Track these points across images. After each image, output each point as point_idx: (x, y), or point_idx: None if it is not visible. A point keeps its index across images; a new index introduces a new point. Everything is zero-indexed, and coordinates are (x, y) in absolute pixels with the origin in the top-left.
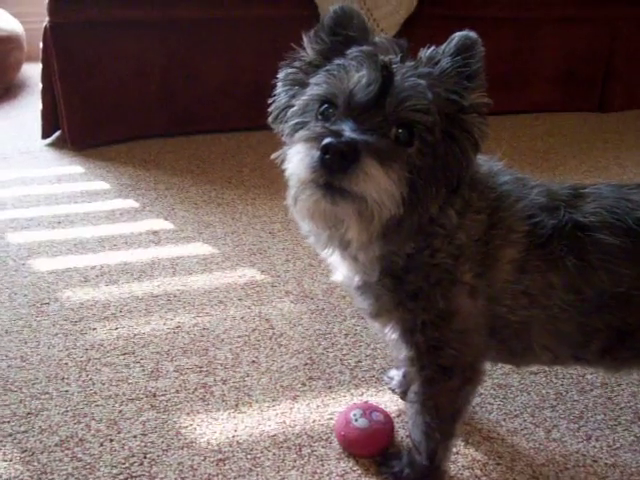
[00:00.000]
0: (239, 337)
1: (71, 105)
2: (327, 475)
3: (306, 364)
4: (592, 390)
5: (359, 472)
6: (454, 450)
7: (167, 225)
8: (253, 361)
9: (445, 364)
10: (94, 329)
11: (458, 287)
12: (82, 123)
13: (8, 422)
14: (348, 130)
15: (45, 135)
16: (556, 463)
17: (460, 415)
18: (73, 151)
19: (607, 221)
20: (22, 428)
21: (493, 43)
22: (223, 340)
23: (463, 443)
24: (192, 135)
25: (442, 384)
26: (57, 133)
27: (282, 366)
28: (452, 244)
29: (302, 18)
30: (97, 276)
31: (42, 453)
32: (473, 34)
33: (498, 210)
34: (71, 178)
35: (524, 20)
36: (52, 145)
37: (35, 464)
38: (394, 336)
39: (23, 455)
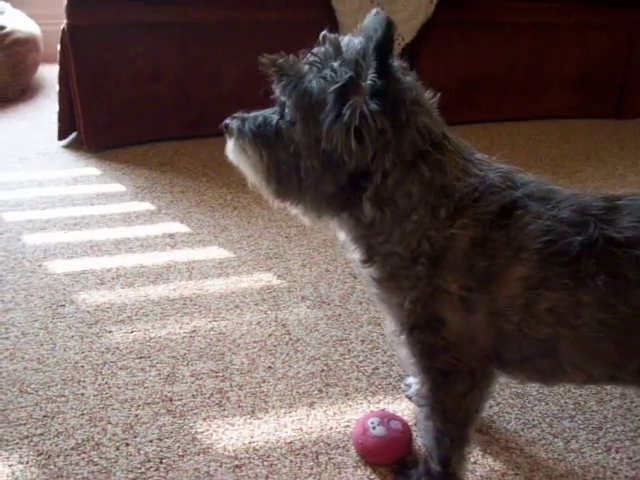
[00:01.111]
0: (255, 342)
1: (87, 107)
2: None
3: (323, 370)
4: (611, 400)
5: None
6: (472, 460)
7: (183, 228)
8: (269, 367)
9: (444, 369)
10: (110, 332)
11: (443, 296)
12: (98, 125)
13: (24, 424)
14: (239, 115)
15: (61, 136)
16: (575, 474)
17: (471, 420)
18: (89, 153)
19: None
20: (38, 431)
21: (510, 49)
22: (239, 345)
23: (481, 453)
24: (208, 138)
25: (448, 388)
26: (73, 135)
27: (299, 372)
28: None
29: (318, 21)
30: (113, 279)
31: (58, 456)
32: (380, 15)
33: (506, 225)
34: (87, 180)
35: (541, 26)
36: (68, 147)
37: (51, 467)
38: (388, 332)
39: (39, 458)
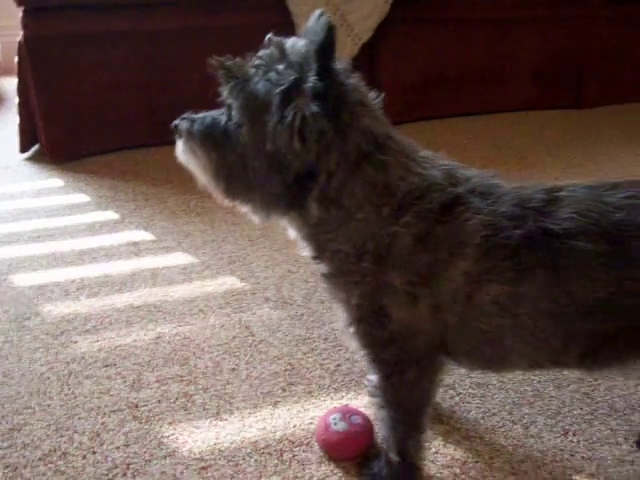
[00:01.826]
0: (219, 345)
1: (48, 118)
2: (308, 479)
3: (286, 370)
4: (569, 385)
5: (339, 475)
6: (433, 450)
7: (147, 236)
8: (233, 369)
9: (392, 359)
10: (75, 342)
11: (387, 291)
12: (60, 136)
13: None
14: (188, 116)
15: (23, 149)
16: (534, 459)
17: (423, 408)
18: (52, 164)
19: (583, 226)
20: (5, 444)
21: (468, 44)
22: (204, 349)
23: (442, 443)
24: (171, 145)
25: (398, 377)
26: (35, 147)
27: (262, 373)
28: (354, 244)
29: (277, 25)
30: (78, 289)
31: (25, 468)
32: (321, 19)
33: (448, 221)
34: (50, 191)
35: (499, 21)
36: (31, 159)
37: (18, 479)
38: (339, 325)
39: (6, 471)
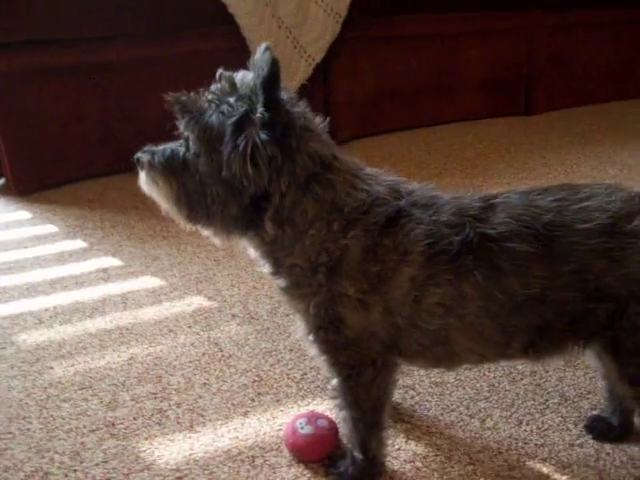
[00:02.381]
0: (190, 362)
1: (13, 152)
2: None
3: (254, 381)
4: (522, 379)
5: (308, 476)
6: (396, 447)
7: (115, 262)
8: (205, 383)
9: (350, 362)
10: (51, 368)
11: (341, 300)
12: (25, 169)
13: None
14: (149, 149)
15: None
16: (490, 449)
17: (381, 406)
18: (18, 197)
19: (516, 229)
20: None
21: (418, 59)
22: (175, 366)
23: (404, 440)
24: (134, 172)
25: (355, 379)
26: (1, 180)
27: (232, 385)
28: (308, 258)
29: (232, 50)
30: (51, 317)
31: None
32: (265, 54)
33: (393, 232)
34: (19, 224)
35: (446, 35)
36: None
37: None
38: (299, 334)
39: None
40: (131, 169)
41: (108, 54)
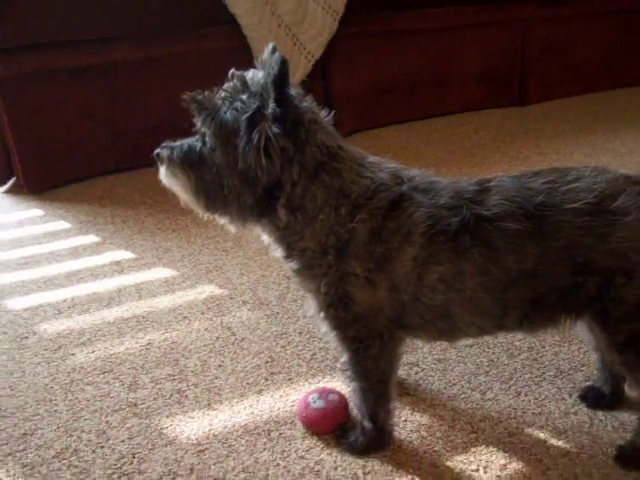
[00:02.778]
0: (205, 346)
1: (24, 152)
2: (294, 452)
3: (267, 362)
4: (520, 354)
5: (321, 446)
6: (402, 418)
7: (128, 255)
8: (220, 365)
9: (358, 336)
10: (73, 354)
11: (350, 278)
12: (36, 168)
13: (6, 443)
14: (167, 145)
15: (0, 183)
16: (491, 418)
17: (388, 378)
18: (30, 195)
19: (510, 210)
20: (20, 447)
21: (415, 53)
22: (191, 350)
23: (410, 412)
24: (142, 169)
25: (364, 352)
26: (12, 180)
27: (246, 366)
28: (318, 241)
29: (233, 49)
30: (69, 307)
31: (42, 465)
32: (275, 54)
33: (396, 215)
34: (32, 221)
35: (442, 29)
36: (9, 192)
37: (36, 475)
38: (311, 313)
39: (24, 470)
40: (136, 166)
41: (114, 55)
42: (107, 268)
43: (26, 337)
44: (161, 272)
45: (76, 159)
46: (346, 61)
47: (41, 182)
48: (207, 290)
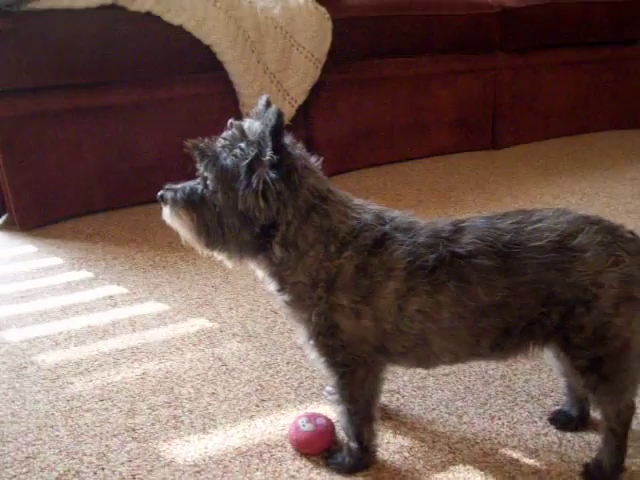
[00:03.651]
0: (198, 375)
1: (16, 190)
2: (285, 472)
3: (257, 390)
4: (494, 381)
5: (310, 466)
6: (385, 440)
7: (121, 290)
8: (213, 393)
9: (345, 362)
10: (71, 383)
11: (337, 309)
12: (28, 205)
13: (10, 467)
14: (170, 187)
15: None
16: (468, 440)
17: (372, 400)
18: (22, 232)
19: (481, 248)
20: (24, 470)
21: (392, 99)
22: (185, 379)
23: (392, 434)
24: (131, 207)
25: (350, 377)
26: (4, 217)
27: (237, 394)
28: (309, 275)
29: (220, 94)
30: (65, 339)
31: None
32: (272, 107)
33: (380, 252)
34: (25, 257)
35: (417, 77)
36: (1, 229)
37: None
38: (300, 341)
39: None
40: (125, 205)
41: (106, 98)
42: (101, 302)
43: (25, 367)
44: (153, 306)
45: (68, 197)
46: (327, 106)
47: (33, 219)
48: (198, 323)
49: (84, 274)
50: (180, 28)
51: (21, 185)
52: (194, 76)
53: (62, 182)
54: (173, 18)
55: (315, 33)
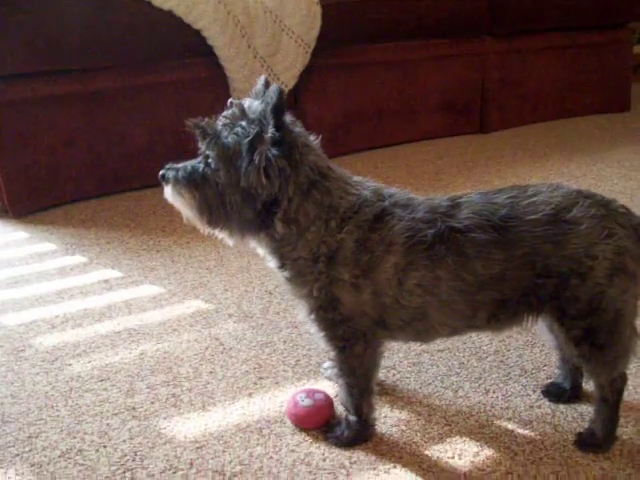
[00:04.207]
0: (195, 355)
1: (8, 177)
2: (285, 446)
3: (255, 368)
4: (487, 357)
5: (310, 440)
6: (382, 415)
7: (115, 274)
8: (211, 372)
9: (345, 336)
10: (70, 365)
11: (338, 283)
12: (20, 192)
13: (13, 446)
14: (171, 166)
15: None
16: (463, 413)
17: (371, 374)
18: (14, 219)
19: (478, 222)
20: (27, 448)
21: (381, 83)
22: (183, 359)
23: (389, 409)
24: (122, 193)
25: (349, 350)
26: None
27: (235, 372)
28: (310, 251)
29: (210, 79)
30: (62, 322)
31: (48, 464)
32: (272, 86)
33: (379, 228)
34: (18, 243)
35: (406, 61)
36: None
37: (44, 473)
38: (301, 317)
39: (32, 468)
40: (117, 191)
41: (96, 84)
42: (96, 286)
43: (23, 350)
44: (149, 289)
45: (59, 184)
46: (318, 91)
47: (25, 206)
48: (194, 305)
49: (78, 259)
50: (170, 13)
51: (12, 172)
52: (184, 61)
53: (53, 168)
54: (163, 3)
55: (305, 17)
